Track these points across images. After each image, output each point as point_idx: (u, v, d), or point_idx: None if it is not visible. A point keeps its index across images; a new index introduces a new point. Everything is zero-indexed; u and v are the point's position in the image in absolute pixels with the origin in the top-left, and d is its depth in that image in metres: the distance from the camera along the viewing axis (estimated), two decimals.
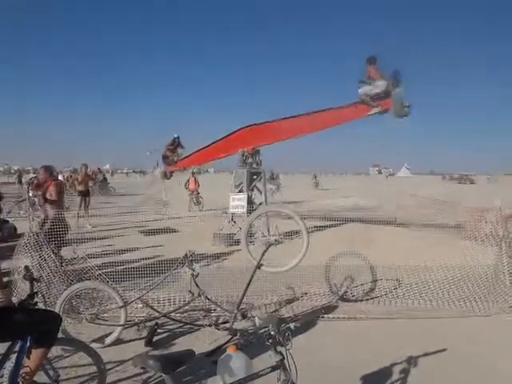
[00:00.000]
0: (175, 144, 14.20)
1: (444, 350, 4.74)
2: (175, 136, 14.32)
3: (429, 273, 6.76)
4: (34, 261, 5.91)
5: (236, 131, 12.09)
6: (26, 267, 3.75)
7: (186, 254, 5.42)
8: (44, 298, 5.32)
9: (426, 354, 4.57)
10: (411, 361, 4.45)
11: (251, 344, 2.75)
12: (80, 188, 14.92)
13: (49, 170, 7.67)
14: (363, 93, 10.76)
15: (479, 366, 4.47)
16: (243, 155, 11.76)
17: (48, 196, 7.45)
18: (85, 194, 14.91)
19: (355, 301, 6.46)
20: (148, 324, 5.21)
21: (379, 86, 10.59)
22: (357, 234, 10.01)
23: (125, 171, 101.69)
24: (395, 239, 10.53)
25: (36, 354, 2.96)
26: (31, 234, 6.20)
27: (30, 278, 3.47)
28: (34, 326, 2.96)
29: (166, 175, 14.25)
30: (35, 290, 3.45)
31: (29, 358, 2.98)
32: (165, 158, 14.00)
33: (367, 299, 6.51)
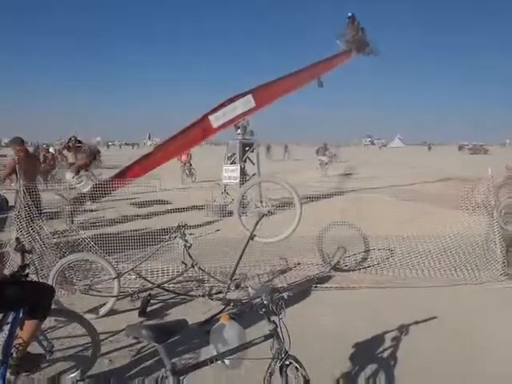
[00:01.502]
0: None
1: (435, 317, 4.80)
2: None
3: (420, 242, 6.80)
4: (25, 233, 5.88)
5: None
6: (17, 239, 3.72)
7: (179, 225, 5.40)
8: (36, 269, 5.31)
9: (417, 322, 4.63)
10: (403, 329, 4.51)
11: (244, 313, 2.75)
12: (71, 160, 14.76)
13: (12, 142, 7.51)
14: (352, 41, 13.30)
15: (469, 334, 4.54)
16: (244, 127, 11.64)
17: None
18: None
19: (348, 270, 6.51)
20: (141, 295, 5.23)
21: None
22: (349, 204, 10.04)
23: (116, 143, 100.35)
24: (387, 209, 10.57)
25: (29, 325, 2.96)
26: (22, 206, 6.14)
27: (21, 250, 3.43)
28: (26, 298, 2.94)
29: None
30: (27, 262, 3.41)
31: (22, 330, 2.97)
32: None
33: (359, 269, 6.56)
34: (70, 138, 15.63)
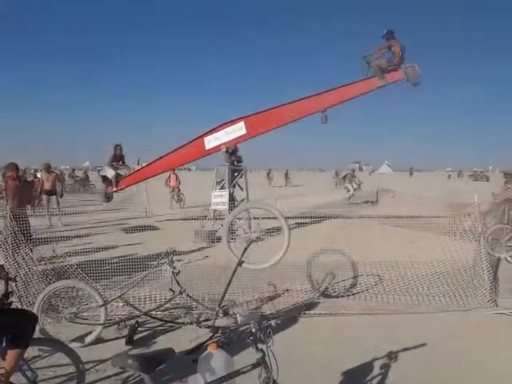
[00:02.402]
0: (118, 156, 13.35)
1: (423, 344, 4.79)
2: (117, 144, 13.43)
3: (409, 268, 6.82)
4: (11, 259, 5.82)
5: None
6: (1, 266, 3.66)
7: (167, 252, 5.37)
8: (19, 297, 5.22)
9: (406, 349, 4.61)
10: (392, 356, 4.49)
11: (232, 341, 2.73)
12: (46, 187, 14.45)
13: (5, 168, 7.53)
14: (377, 65, 10.62)
15: (458, 361, 4.53)
16: (227, 152, 11.62)
17: None
18: (51, 193, 14.41)
19: (336, 297, 6.49)
20: (128, 323, 5.16)
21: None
22: (338, 230, 10.04)
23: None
24: (376, 235, 10.59)
25: (11, 354, 2.90)
26: (9, 233, 6.09)
27: (5, 278, 3.39)
28: (8, 326, 2.90)
29: (107, 196, 13.27)
30: (10, 290, 3.37)
31: (4, 359, 2.92)
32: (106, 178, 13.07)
33: (348, 295, 6.54)
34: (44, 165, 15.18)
